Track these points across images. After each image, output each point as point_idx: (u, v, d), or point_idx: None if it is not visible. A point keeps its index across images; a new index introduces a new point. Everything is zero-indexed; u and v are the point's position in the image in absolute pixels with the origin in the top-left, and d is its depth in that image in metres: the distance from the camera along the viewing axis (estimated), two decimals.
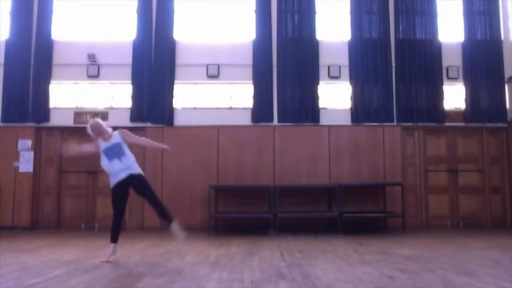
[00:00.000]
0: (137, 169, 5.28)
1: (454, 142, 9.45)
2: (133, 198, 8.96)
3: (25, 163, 8.97)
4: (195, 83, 9.41)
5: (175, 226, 5.17)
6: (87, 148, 5.46)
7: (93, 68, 9.22)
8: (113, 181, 5.22)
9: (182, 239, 5.24)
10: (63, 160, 9.18)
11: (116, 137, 5.29)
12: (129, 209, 8.96)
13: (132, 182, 5.21)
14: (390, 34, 9.42)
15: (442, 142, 9.43)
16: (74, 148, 5.52)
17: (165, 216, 5.22)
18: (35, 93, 9.11)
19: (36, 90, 9.12)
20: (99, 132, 5.28)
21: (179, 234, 5.18)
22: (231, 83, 9.40)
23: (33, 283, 3.92)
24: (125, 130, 5.41)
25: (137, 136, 5.67)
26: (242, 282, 3.99)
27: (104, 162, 5.24)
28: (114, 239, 5.26)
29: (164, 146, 5.58)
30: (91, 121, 5.38)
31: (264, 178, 8.96)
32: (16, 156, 8.97)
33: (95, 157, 9.04)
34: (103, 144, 5.26)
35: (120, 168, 5.16)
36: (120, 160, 5.17)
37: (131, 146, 5.49)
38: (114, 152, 5.18)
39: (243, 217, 8.66)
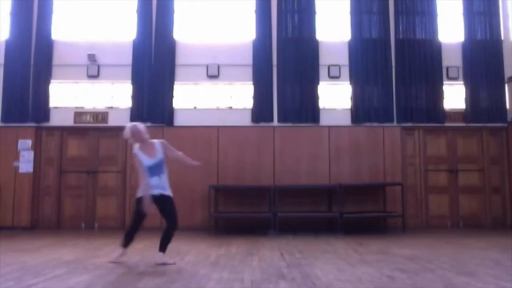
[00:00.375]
0: (169, 191, 5.10)
1: (454, 142, 9.45)
2: (132, 198, 8.99)
3: (25, 163, 8.97)
4: (195, 83, 9.41)
5: (161, 257, 4.99)
6: (144, 180, 5.00)
7: (93, 68, 9.22)
8: (143, 192, 5.01)
9: (159, 260, 4.96)
10: (63, 160, 9.20)
11: (159, 151, 5.07)
12: (129, 209, 9.00)
13: (160, 201, 5.04)
14: (390, 34, 9.42)
15: (442, 142, 9.43)
16: (148, 200, 5.01)
17: (163, 244, 5.03)
18: (35, 93, 9.11)
19: (36, 90, 9.12)
20: (140, 139, 5.04)
21: (160, 261, 4.96)
22: (231, 83, 9.40)
23: (33, 283, 3.92)
24: (166, 143, 5.20)
25: (176, 151, 5.34)
26: (242, 282, 3.99)
27: (145, 176, 5.00)
28: (125, 244, 5.16)
29: (196, 163, 5.35)
30: (130, 125, 5.12)
31: (264, 178, 8.96)
32: (16, 156, 8.97)
33: (94, 157, 9.19)
34: (147, 160, 4.99)
35: (156, 185, 5.00)
36: (159, 177, 5.02)
37: None
38: (159, 170, 5.01)
39: (243, 217, 8.66)
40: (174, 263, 4.95)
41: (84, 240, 7.11)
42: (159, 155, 5.06)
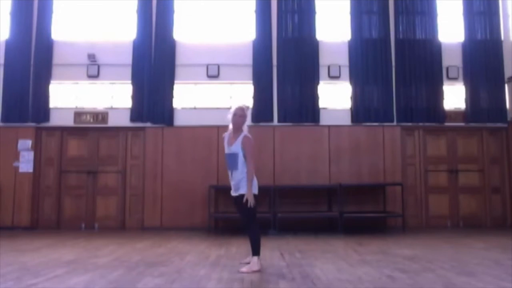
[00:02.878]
0: (243, 190, 4.52)
1: (454, 142, 9.44)
2: (132, 198, 9.00)
3: (25, 163, 8.97)
4: (195, 83, 9.41)
5: (254, 260, 4.55)
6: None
7: (93, 68, 9.22)
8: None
9: (254, 268, 4.48)
10: (63, 160, 9.20)
11: (238, 144, 4.58)
12: (129, 209, 9.01)
13: (236, 203, 4.67)
14: (390, 34, 9.41)
15: (442, 142, 9.43)
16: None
17: (252, 247, 4.60)
18: (35, 93, 9.10)
19: (36, 90, 9.11)
20: (237, 125, 4.61)
21: (251, 267, 4.50)
22: (231, 83, 9.40)
23: (33, 283, 3.92)
24: (246, 140, 4.56)
25: (248, 163, 4.54)
26: (242, 282, 4.00)
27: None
28: (259, 251, 4.61)
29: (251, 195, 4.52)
30: (242, 106, 4.68)
31: (264, 178, 8.90)
32: (16, 156, 8.97)
33: (94, 157, 9.18)
34: (225, 148, 4.68)
35: (231, 182, 4.64)
36: (231, 173, 4.61)
37: None
38: (231, 163, 4.59)
39: None
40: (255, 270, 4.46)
41: (84, 240, 7.11)
42: (235, 148, 4.59)
